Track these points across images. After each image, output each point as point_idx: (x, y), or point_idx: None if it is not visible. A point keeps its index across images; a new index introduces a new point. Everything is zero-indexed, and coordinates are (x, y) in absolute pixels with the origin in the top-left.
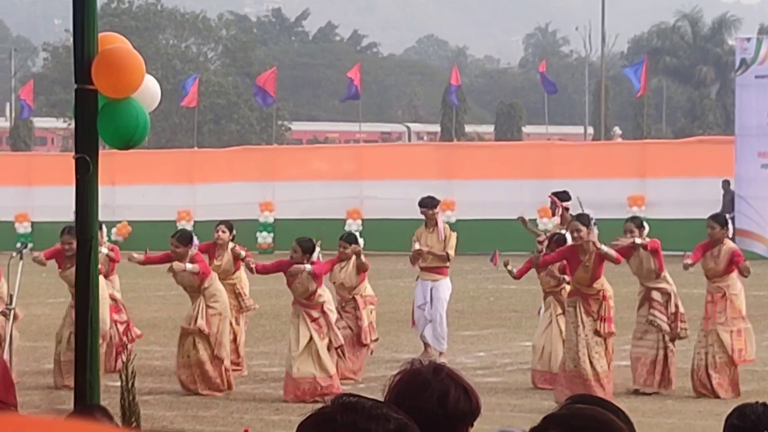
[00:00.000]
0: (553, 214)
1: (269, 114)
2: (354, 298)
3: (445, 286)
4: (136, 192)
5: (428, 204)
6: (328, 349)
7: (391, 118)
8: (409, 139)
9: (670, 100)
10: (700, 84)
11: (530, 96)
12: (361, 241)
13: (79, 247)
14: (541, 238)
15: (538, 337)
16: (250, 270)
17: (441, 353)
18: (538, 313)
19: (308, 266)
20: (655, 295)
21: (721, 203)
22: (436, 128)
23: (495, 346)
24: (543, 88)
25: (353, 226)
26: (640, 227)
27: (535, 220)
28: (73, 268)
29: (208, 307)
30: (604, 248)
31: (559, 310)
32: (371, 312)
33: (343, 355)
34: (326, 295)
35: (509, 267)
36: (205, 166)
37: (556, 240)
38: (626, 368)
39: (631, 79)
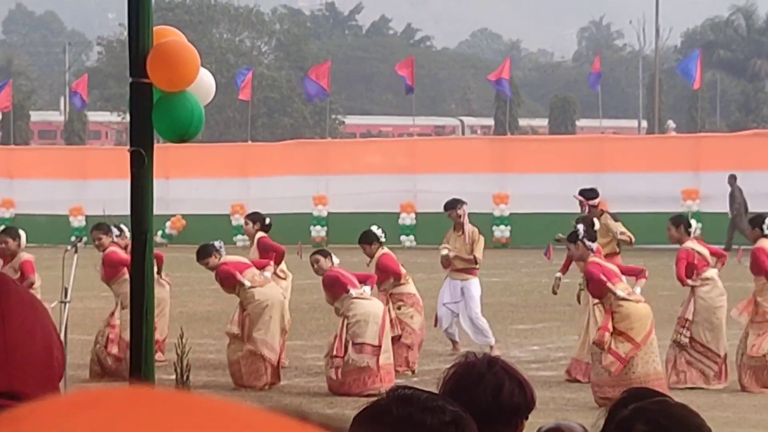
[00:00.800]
0: (582, 212)
1: (323, 108)
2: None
3: (475, 285)
4: (190, 185)
5: (451, 206)
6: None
7: (445, 111)
8: (463, 133)
9: (724, 93)
10: (754, 77)
11: (584, 89)
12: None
13: (134, 241)
14: (607, 239)
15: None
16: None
17: (491, 347)
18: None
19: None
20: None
21: (728, 200)
22: (490, 122)
23: (549, 339)
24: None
25: (407, 219)
26: (680, 226)
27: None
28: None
29: (243, 308)
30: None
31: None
32: (399, 308)
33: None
34: (354, 306)
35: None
36: (258, 159)
37: (569, 235)
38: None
39: (685, 74)
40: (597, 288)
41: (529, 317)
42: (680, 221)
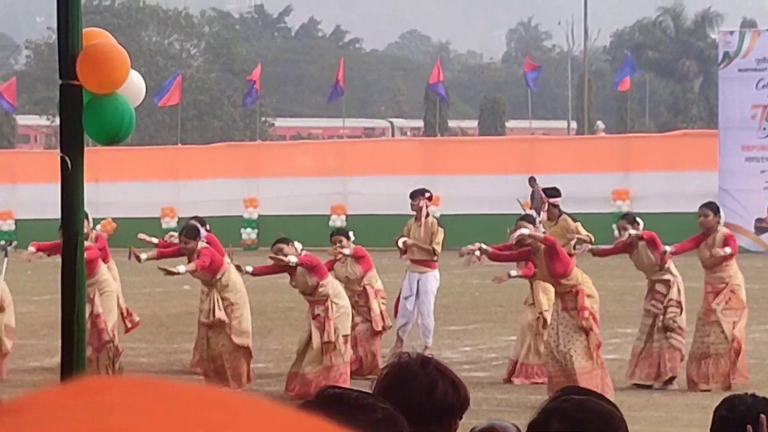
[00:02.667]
0: (539, 211)
1: (252, 110)
2: (365, 289)
3: (432, 279)
4: (119, 189)
5: (413, 195)
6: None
7: (375, 113)
8: (393, 135)
9: (653, 94)
10: (683, 78)
11: (513, 91)
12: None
13: (65, 243)
14: (564, 241)
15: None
16: (248, 273)
17: (426, 347)
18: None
19: (292, 258)
20: (659, 287)
21: (530, 201)
22: (420, 123)
23: (481, 340)
24: (527, 84)
25: (337, 221)
26: (633, 222)
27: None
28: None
29: (222, 298)
30: (526, 232)
31: (532, 300)
32: (382, 304)
33: (334, 348)
34: (334, 287)
35: (513, 273)
36: (188, 162)
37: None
38: (611, 362)
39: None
40: (559, 260)
41: (461, 318)
42: (717, 208)
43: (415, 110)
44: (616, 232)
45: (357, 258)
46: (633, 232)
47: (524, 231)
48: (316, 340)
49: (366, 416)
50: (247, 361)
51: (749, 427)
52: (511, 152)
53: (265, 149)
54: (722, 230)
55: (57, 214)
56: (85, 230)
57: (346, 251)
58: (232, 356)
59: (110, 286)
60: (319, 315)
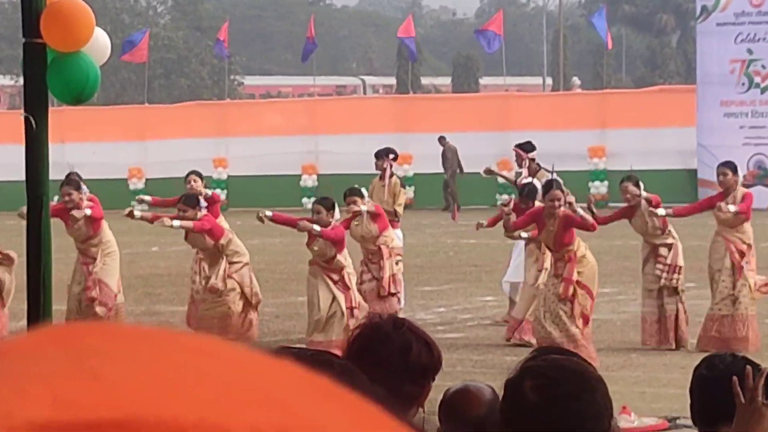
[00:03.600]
0: (520, 167)
1: (221, 68)
2: (379, 249)
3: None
4: (86, 149)
5: (378, 155)
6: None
7: (346, 71)
8: (364, 92)
9: (629, 49)
10: (660, 32)
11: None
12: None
13: (29, 205)
14: (506, 200)
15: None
16: (266, 220)
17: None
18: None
19: (317, 227)
20: (662, 250)
21: (441, 161)
22: (392, 81)
23: (455, 301)
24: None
25: (308, 181)
26: (638, 184)
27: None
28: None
29: (232, 263)
30: (580, 212)
31: (538, 257)
32: (397, 263)
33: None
34: (347, 259)
35: (524, 235)
36: (156, 122)
37: (527, 193)
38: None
39: (599, 31)
40: (570, 232)
41: (435, 279)
42: (735, 166)
43: (387, 68)
44: (593, 190)
45: (373, 216)
46: (645, 194)
47: (643, 194)
48: (342, 303)
49: (322, 371)
50: (256, 326)
51: (735, 378)
52: (486, 109)
53: (233, 108)
54: (741, 189)
55: (22, 175)
56: (79, 196)
57: (364, 207)
58: (244, 320)
59: (113, 247)
60: (338, 281)
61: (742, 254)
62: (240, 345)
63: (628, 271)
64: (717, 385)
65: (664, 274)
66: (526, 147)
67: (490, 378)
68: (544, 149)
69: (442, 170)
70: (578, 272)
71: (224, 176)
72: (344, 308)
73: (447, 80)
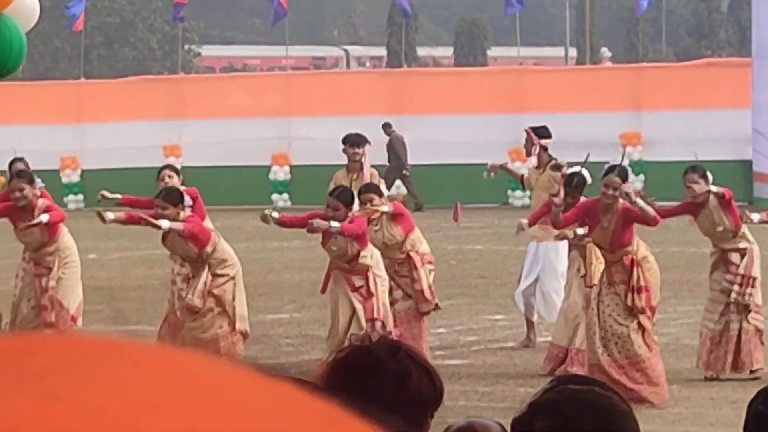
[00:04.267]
0: (529, 154)
1: (174, 36)
2: (408, 257)
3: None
4: (8, 134)
5: (351, 141)
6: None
7: (326, 39)
8: (348, 66)
9: (670, 14)
10: None
11: (497, 11)
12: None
13: None
14: (554, 191)
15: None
16: (272, 222)
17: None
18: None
19: (335, 223)
20: (733, 256)
21: (386, 152)
22: (382, 52)
23: (458, 320)
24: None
25: (280, 174)
26: (705, 177)
27: (506, 163)
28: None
29: (216, 276)
30: (640, 203)
31: (584, 270)
32: (430, 272)
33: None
34: (374, 256)
35: (580, 232)
36: (94, 101)
37: (576, 184)
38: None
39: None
40: (630, 229)
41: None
42: None
43: (376, 36)
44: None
45: (395, 218)
46: (714, 188)
47: (713, 188)
48: (362, 317)
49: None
50: (242, 345)
51: None
52: (495, 87)
53: (188, 84)
54: None
55: None
56: (33, 191)
57: (385, 208)
58: (230, 342)
59: (74, 256)
60: (361, 287)
61: None
62: (212, 360)
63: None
64: None
65: (735, 287)
66: (540, 132)
67: (499, 414)
68: (567, 135)
69: (441, 161)
70: (638, 278)
71: (177, 166)
72: (363, 322)
73: (448, 51)
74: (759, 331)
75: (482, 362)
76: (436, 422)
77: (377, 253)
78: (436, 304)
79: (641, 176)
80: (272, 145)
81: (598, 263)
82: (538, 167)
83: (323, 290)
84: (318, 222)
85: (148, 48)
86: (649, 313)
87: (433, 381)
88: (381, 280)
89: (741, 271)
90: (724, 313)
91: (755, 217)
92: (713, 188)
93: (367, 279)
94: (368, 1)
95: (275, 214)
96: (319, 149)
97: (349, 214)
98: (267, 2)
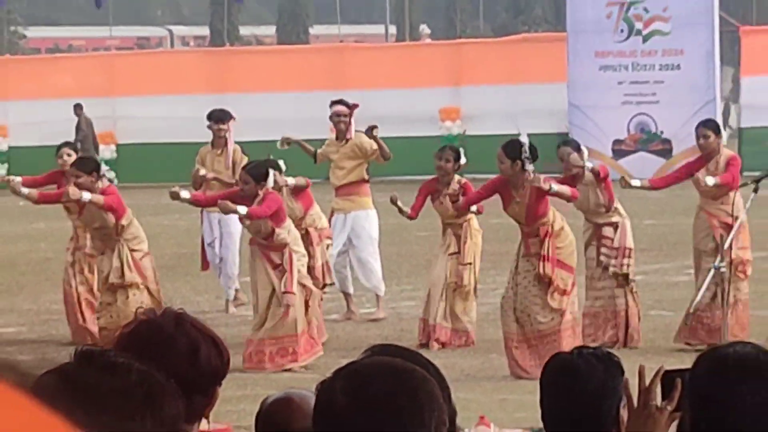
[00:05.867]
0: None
1: None
2: (307, 232)
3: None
4: None
5: (216, 117)
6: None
7: (149, 20)
8: (172, 45)
9: None
10: None
11: None
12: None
13: None
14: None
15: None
16: (185, 200)
17: (228, 301)
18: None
19: (242, 208)
20: (607, 231)
21: (74, 133)
22: (205, 31)
23: None
24: None
25: (106, 152)
26: (579, 150)
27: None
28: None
29: (133, 251)
30: (555, 187)
31: (453, 248)
32: (327, 248)
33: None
34: (292, 233)
35: (399, 204)
36: None
37: (531, 150)
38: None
39: None
40: (545, 201)
41: None
42: (718, 126)
43: (199, 15)
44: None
45: (295, 191)
46: (589, 164)
47: (587, 164)
48: (279, 290)
49: (116, 379)
50: None
51: (625, 379)
52: (317, 64)
53: (14, 65)
54: (726, 153)
55: None
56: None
57: (292, 181)
58: None
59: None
60: (279, 265)
61: (726, 230)
62: None
63: (487, 255)
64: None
65: (612, 260)
66: (348, 104)
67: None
68: (388, 111)
69: (264, 137)
70: (558, 248)
71: (5, 147)
72: (281, 298)
73: (271, 30)
74: (638, 305)
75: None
76: (255, 395)
77: (295, 230)
78: (329, 283)
79: (462, 150)
80: (97, 125)
81: (472, 242)
82: (338, 139)
83: (204, 267)
84: (225, 204)
85: None
86: (562, 282)
87: (220, 352)
88: (298, 256)
89: (615, 244)
90: (614, 287)
91: (635, 182)
92: (588, 164)
93: (283, 255)
94: None
95: (185, 194)
96: (145, 128)
97: (260, 191)
98: None
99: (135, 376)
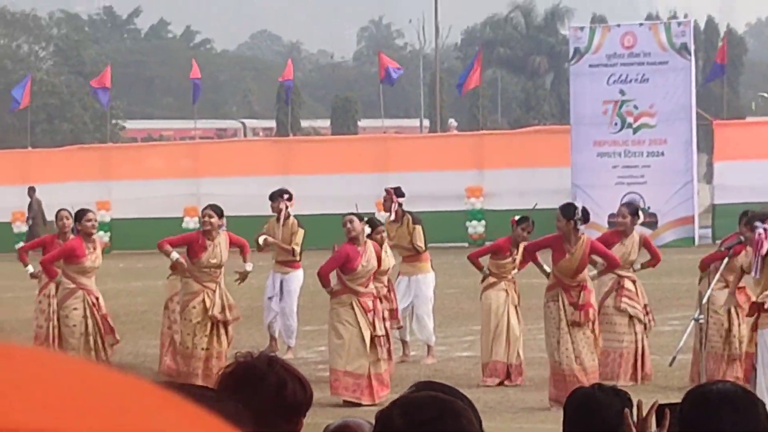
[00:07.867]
0: (387, 210)
1: (103, 113)
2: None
3: (295, 279)
4: None
5: (272, 196)
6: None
7: (226, 114)
8: (245, 135)
9: (504, 91)
10: (534, 74)
11: (365, 89)
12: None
13: None
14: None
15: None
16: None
17: (289, 348)
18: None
19: (174, 254)
20: (627, 284)
21: (27, 212)
22: (272, 124)
23: None
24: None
25: (191, 223)
26: (635, 214)
27: (374, 213)
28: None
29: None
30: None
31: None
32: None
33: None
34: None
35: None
36: (39, 165)
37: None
38: (467, 359)
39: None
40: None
41: (316, 318)
42: (636, 209)
43: (267, 110)
44: (470, 230)
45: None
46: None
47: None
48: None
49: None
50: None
51: (627, 410)
52: (364, 151)
53: (116, 151)
54: (636, 235)
55: None
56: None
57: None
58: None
59: None
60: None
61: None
62: (92, 362)
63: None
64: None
65: (638, 311)
66: (398, 191)
67: (370, 416)
68: (422, 189)
69: (321, 211)
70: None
71: (107, 219)
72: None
73: (326, 122)
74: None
75: None
76: (315, 423)
77: None
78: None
79: (483, 222)
80: (184, 200)
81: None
82: (395, 221)
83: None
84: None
85: (82, 122)
86: (591, 326)
87: (304, 388)
88: None
89: (643, 299)
90: (632, 332)
91: (636, 266)
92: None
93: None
94: (260, 83)
95: (174, 255)
96: (223, 203)
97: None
98: (179, 83)
99: (224, 408)
